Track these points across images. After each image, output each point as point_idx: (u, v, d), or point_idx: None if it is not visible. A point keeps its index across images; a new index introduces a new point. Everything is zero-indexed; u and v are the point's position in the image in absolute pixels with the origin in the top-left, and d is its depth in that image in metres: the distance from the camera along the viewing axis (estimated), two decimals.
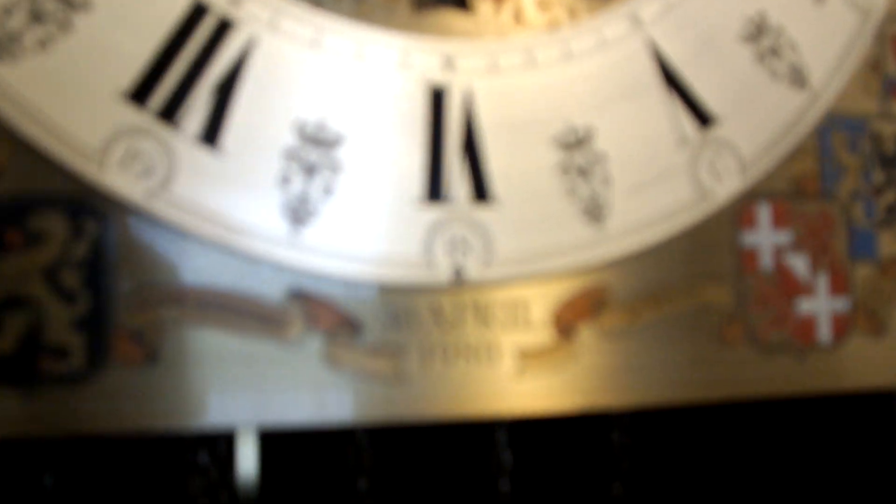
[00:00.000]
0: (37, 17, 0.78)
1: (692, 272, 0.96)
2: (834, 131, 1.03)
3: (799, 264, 1.01)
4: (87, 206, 0.80)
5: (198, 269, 0.82)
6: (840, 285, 1.02)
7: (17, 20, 0.77)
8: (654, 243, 0.94)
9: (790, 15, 1.00)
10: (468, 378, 0.89)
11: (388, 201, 0.87)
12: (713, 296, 0.97)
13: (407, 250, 0.87)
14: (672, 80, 0.96)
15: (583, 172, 0.92)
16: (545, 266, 0.91)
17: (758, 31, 0.99)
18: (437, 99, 0.89)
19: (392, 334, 0.87)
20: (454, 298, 0.89)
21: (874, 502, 1.10)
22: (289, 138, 0.84)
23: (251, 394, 0.83)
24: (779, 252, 1.00)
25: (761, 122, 0.99)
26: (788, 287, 1.00)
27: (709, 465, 1.08)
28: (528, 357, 0.91)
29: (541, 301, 0.92)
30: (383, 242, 0.87)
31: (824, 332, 1.01)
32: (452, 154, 0.89)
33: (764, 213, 1.00)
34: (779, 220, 1.00)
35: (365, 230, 0.86)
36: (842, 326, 1.02)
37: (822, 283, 1.02)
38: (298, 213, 0.84)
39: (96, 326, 0.80)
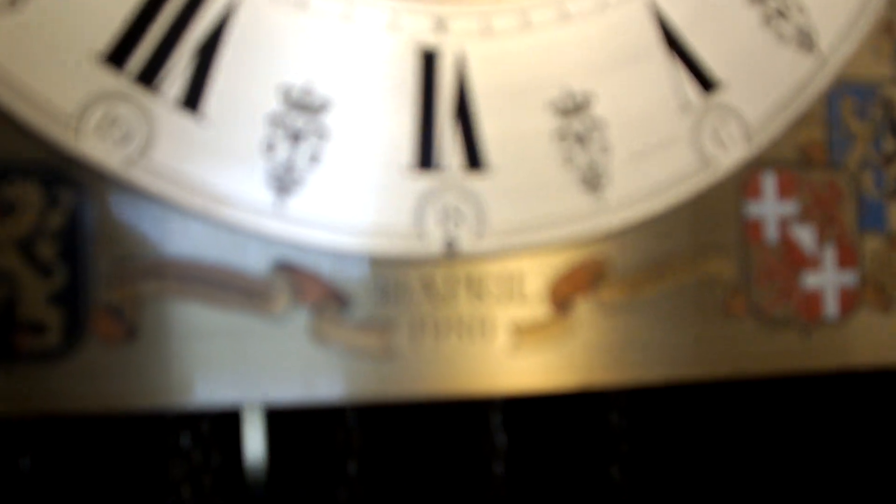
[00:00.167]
0: None
1: (694, 244, 0.95)
2: (843, 97, 1.01)
3: (805, 236, 0.99)
4: (62, 174, 0.78)
5: (179, 241, 0.81)
6: (848, 258, 1.01)
7: None
8: (655, 214, 0.92)
9: None
10: (460, 354, 0.87)
11: (377, 169, 0.85)
12: (716, 268, 0.95)
13: (397, 221, 0.85)
14: (674, 44, 0.93)
15: (580, 140, 0.90)
16: (541, 237, 0.89)
17: None
18: (429, 62, 0.87)
19: (381, 308, 0.86)
20: (446, 271, 0.87)
21: (881, 483, 1.09)
22: (273, 103, 0.83)
23: (235, 370, 0.81)
24: (784, 223, 0.98)
25: (767, 87, 0.97)
26: (794, 260, 0.99)
27: (710, 446, 1.07)
28: (523, 332, 0.89)
29: (536, 274, 0.90)
30: (372, 213, 0.85)
31: (831, 306, 1.00)
32: (444, 120, 0.87)
33: (769, 182, 0.98)
34: (784, 190, 0.98)
35: (353, 200, 0.84)
36: (849, 301, 1.00)
37: (829, 255, 1.00)
38: (284, 182, 0.83)
39: (73, 301, 0.78)
